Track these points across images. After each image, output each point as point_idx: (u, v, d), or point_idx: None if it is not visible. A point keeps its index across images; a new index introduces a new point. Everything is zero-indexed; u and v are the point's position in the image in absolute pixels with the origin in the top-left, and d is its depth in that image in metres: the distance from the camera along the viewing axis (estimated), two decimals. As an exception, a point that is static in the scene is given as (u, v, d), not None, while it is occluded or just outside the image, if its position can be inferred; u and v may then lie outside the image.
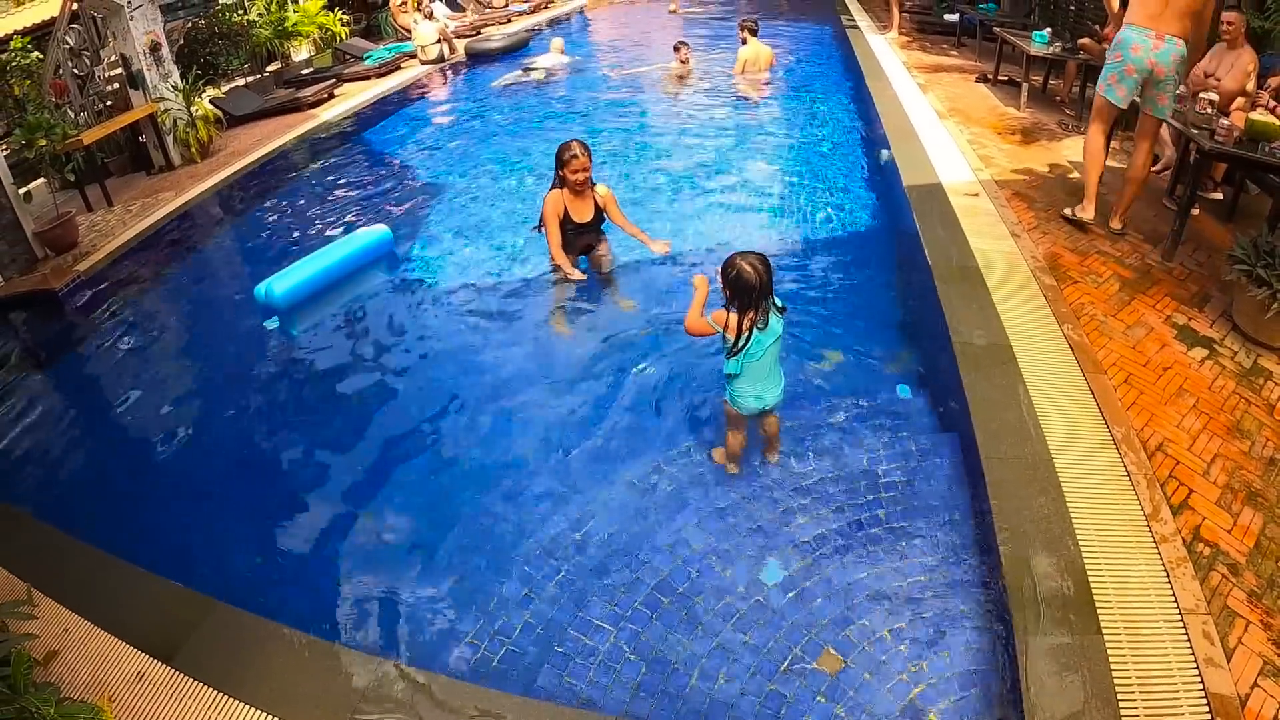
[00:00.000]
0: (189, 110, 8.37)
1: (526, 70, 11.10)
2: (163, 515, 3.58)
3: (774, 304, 3.02)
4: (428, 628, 2.79)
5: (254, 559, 3.28)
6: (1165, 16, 4.37)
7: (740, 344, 2.97)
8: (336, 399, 4.28)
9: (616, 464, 3.49)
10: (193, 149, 8.38)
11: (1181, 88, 4.79)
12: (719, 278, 3.00)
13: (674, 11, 15.69)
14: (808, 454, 3.43)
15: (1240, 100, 5.14)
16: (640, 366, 4.14)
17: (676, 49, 10.09)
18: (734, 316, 2.96)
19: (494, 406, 3.97)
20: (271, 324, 4.91)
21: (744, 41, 9.57)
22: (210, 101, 9.27)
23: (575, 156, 4.42)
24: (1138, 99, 4.69)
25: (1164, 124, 4.93)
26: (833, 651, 2.53)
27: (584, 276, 4.77)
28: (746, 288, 2.89)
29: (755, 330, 2.95)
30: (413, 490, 3.51)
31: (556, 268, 4.75)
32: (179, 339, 5.36)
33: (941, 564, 2.82)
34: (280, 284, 4.90)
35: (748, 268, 2.89)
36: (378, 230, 5.56)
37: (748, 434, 3.38)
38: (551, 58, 11.43)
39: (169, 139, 8.28)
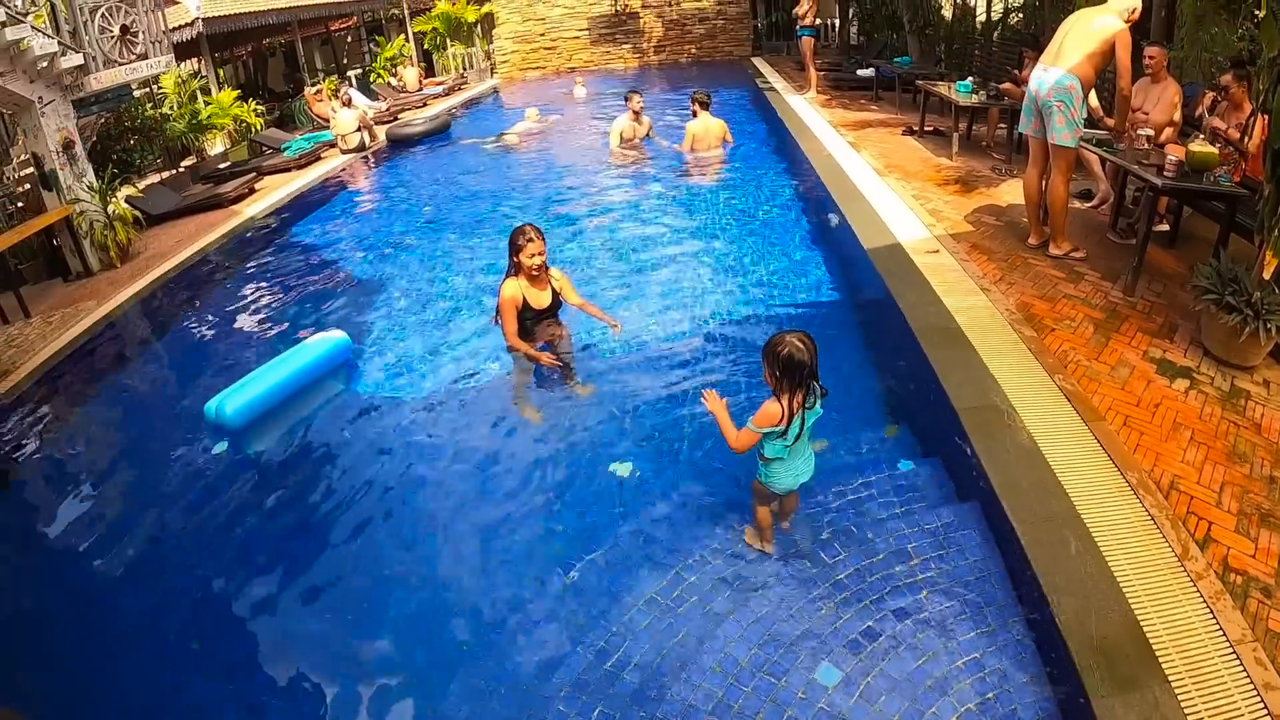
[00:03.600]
0: (106, 211, 8.53)
1: (500, 136, 11.85)
2: (106, 677, 3.53)
3: (818, 385, 3.30)
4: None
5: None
6: (1059, 54, 5.56)
7: (789, 430, 3.24)
8: (302, 534, 4.26)
9: (630, 579, 3.58)
10: (111, 252, 8.52)
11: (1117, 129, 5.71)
12: (764, 362, 3.24)
13: (580, 86, 16.49)
14: (833, 544, 3.69)
15: (1169, 131, 5.97)
16: (624, 463, 4.33)
17: (627, 98, 10.22)
18: (783, 401, 3.21)
19: (477, 527, 4.06)
20: (220, 447, 4.89)
21: (694, 115, 9.73)
22: (126, 201, 9.46)
23: (530, 240, 4.64)
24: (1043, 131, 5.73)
25: (1106, 162, 5.82)
26: (913, 747, 2.79)
27: (554, 360, 4.97)
28: (798, 366, 3.14)
29: (805, 411, 3.24)
30: (402, 634, 3.51)
31: (518, 356, 4.93)
32: (120, 468, 5.28)
33: (996, 637, 3.12)
34: (232, 402, 4.87)
35: (799, 345, 3.13)
36: (334, 336, 5.58)
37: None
38: (525, 125, 12.28)
39: (86, 242, 8.39)
